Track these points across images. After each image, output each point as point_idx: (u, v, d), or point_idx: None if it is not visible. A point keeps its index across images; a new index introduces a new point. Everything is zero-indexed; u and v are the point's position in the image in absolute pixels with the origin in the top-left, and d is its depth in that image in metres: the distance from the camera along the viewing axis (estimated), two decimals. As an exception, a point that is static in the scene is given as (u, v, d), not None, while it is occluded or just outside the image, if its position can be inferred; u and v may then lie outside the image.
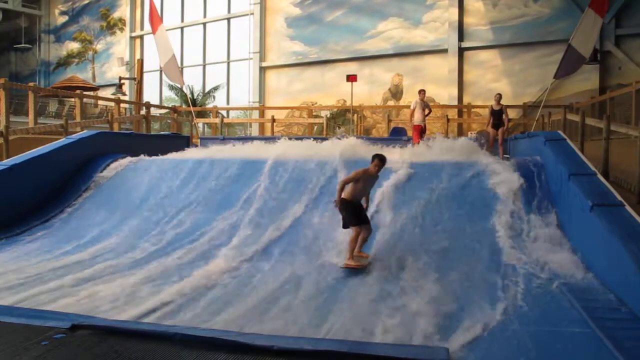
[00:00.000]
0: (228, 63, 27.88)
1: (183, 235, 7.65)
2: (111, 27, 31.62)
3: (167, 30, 18.01)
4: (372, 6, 23.29)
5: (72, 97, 21.46)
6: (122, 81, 24.62)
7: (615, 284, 4.92)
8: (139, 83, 21.74)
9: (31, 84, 14.84)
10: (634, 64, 18.33)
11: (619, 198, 6.00)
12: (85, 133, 11.00)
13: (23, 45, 33.55)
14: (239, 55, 27.19)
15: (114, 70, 30.87)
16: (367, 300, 5.21)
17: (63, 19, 33.98)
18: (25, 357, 3.34)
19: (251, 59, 25.95)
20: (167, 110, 23.48)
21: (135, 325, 4.13)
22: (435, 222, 7.17)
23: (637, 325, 4.11)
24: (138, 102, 20.44)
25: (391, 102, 22.92)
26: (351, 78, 18.33)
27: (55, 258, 6.83)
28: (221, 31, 28.08)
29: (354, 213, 6.43)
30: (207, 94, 27.07)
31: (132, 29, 30.84)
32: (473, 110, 20.24)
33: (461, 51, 21.35)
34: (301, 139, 11.11)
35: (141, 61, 23.10)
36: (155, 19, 16.30)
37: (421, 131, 12.81)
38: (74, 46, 33.28)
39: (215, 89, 27.16)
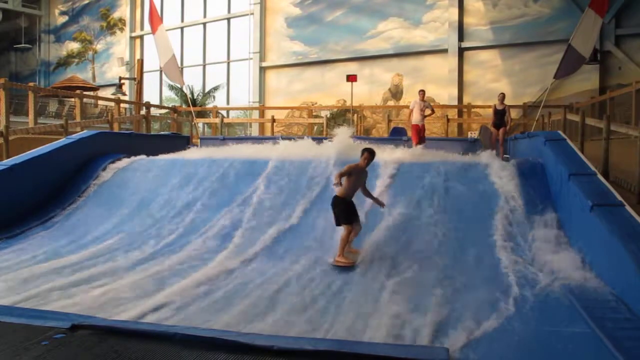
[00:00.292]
0: (228, 63, 27.89)
1: (183, 235, 7.65)
2: (111, 27, 31.63)
3: (167, 30, 18.01)
4: (372, 6, 23.30)
5: (72, 97, 21.47)
6: (122, 81, 24.64)
7: (615, 283, 4.92)
8: (139, 83, 21.75)
9: (31, 84, 14.84)
10: (634, 64, 18.34)
11: (619, 198, 6.00)
12: (85, 133, 11.00)
13: (23, 45, 33.57)
14: (239, 55, 27.20)
15: (114, 70, 30.88)
16: (368, 300, 5.21)
17: (63, 19, 33.99)
18: (26, 357, 3.33)
19: (251, 59, 25.96)
20: (167, 111, 23.48)
21: (135, 325, 4.13)
22: (435, 221, 7.17)
23: (637, 325, 4.11)
24: (138, 102, 20.45)
25: (391, 102, 22.93)
26: (351, 78, 18.35)
27: (55, 258, 6.82)
28: (221, 31, 28.09)
29: (346, 211, 6.46)
30: (207, 94, 27.08)
31: (132, 29, 30.85)
32: (473, 110, 20.25)
33: (461, 51, 21.35)
34: (290, 139, 11.02)
35: (141, 61, 23.11)
36: (155, 19, 16.30)
37: (419, 131, 12.80)
38: (74, 46, 33.29)
39: (215, 89, 27.17)
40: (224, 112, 23.31)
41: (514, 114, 17.85)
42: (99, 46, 32.24)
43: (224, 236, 7.46)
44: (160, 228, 7.95)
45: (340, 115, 23.25)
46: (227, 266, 6.37)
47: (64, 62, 33.68)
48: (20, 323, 3.91)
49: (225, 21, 27.95)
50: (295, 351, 3.45)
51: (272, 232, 7.35)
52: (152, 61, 26.89)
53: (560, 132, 9.56)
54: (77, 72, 31.91)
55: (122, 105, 20.41)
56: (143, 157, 10.40)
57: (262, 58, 25.69)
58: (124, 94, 24.21)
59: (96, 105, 28.26)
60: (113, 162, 10.12)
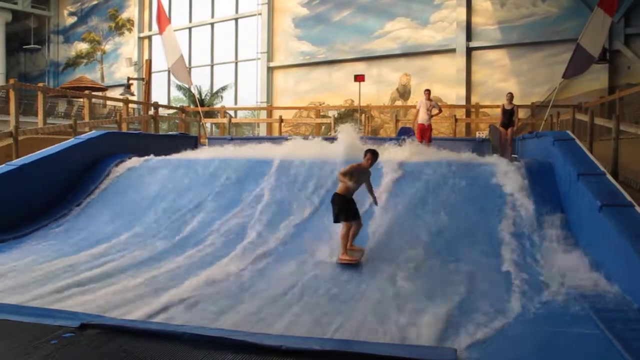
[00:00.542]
0: (236, 63, 27.93)
1: (191, 235, 7.68)
2: (119, 27, 31.76)
3: (175, 30, 18.06)
4: (380, 6, 23.27)
5: (80, 98, 21.57)
6: (131, 81, 24.73)
7: (624, 284, 4.89)
8: (147, 83, 21.82)
9: (40, 84, 14.94)
10: (644, 64, 18.24)
11: (629, 198, 5.96)
12: (93, 133, 11.05)
13: (32, 46, 33.75)
14: (246, 56, 27.23)
15: (122, 71, 31.00)
16: (375, 300, 5.20)
17: (72, 19, 34.15)
18: (35, 355, 3.35)
19: (259, 59, 25.98)
20: (175, 111, 23.55)
21: (144, 325, 4.14)
22: (442, 220, 7.16)
23: (647, 326, 4.09)
24: (146, 102, 20.52)
25: (399, 102, 22.89)
26: (359, 78, 18.33)
27: (64, 257, 6.85)
28: (229, 31, 28.14)
29: (346, 208, 6.49)
30: (215, 94, 27.13)
31: (141, 30, 30.96)
32: (481, 110, 20.18)
33: (469, 51, 21.29)
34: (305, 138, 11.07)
35: (149, 61, 23.19)
36: (163, 19, 16.35)
37: (423, 130, 12.76)
38: (82, 47, 33.44)
39: (223, 89, 27.21)
40: (231, 112, 23.35)
41: (522, 113, 17.81)
42: (108, 47, 32.38)
43: (233, 236, 7.47)
44: (168, 228, 7.97)
45: (348, 115, 23.23)
46: (235, 266, 6.38)
47: (72, 63, 33.85)
48: (29, 322, 3.93)
49: (233, 21, 27.99)
50: (303, 351, 3.45)
51: (280, 232, 7.36)
52: (160, 61, 26.95)
53: (569, 132, 9.52)
54: (86, 73, 32.05)
55: (130, 105, 20.48)
56: (151, 157, 10.43)
57: (269, 58, 25.71)
58: (133, 94, 24.30)
59: (105, 106, 28.39)
60: (121, 162, 10.16)
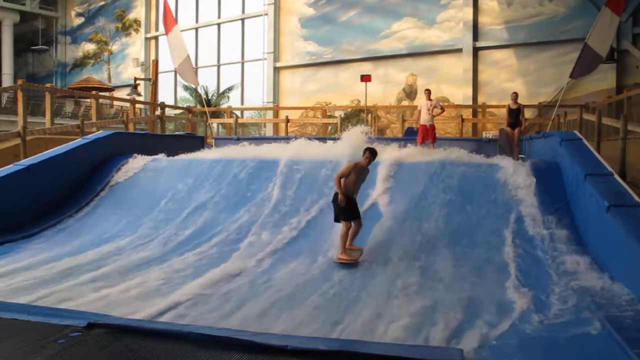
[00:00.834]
0: (242, 63, 27.96)
1: (198, 235, 7.70)
2: (126, 28, 31.85)
3: (181, 31, 18.09)
4: (386, 6, 23.23)
5: (88, 98, 21.64)
6: (137, 82, 24.78)
7: (632, 285, 4.87)
8: (153, 84, 21.87)
9: (48, 85, 14.99)
10: (652, 63, 18.14)
11: (636, 198, 5.94)
12: (101, 133, 11.09)
13: (40, 46, 33.88)
14: (253, 56, 27.25)
15: (129, 71, 31.08)
16: (380, 300, 5.20)
17: (79, 20, 34.28)
18: (42, 354, 3.37)
19: (265, 59, 26.00)
20: (181, 111, 23.61)
21: (150, 324, 4.16)
22: (447, 220, 7.16)
23: (655, 327, 4.07)
24: (153, 102, 20.57)
25: (405, 102, 22.85)
26: (365, 78, 18.30)
27: (71, 257, 6.88)
28: (235, 32, 28.16)
29: (346, 208, 6.50)
30: (221, 95, 27.17)
31: (147, 30, 31.04)
32: (488, 110, 20.13)
33: (476, 51, 21.23)
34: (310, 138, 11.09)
35: (156, 62, 23.22)
36: (170, 20, 16.35)
37: (426, 131, 12.72)
38: (89, 47, 33.57)
39: (230, 89, 27.24)
40: (238, 113, 23.35)
41: (529, 113, 17.74)
42: (115, 47, 32.48)
43: (239, 236, 7.49)
44: (175, 227, 7.99)
45: (355, 115, 23.21)
46: (242, 265, 6.39)
47: (80, 63, 33.97)
48: (37, 321, 3.95)
49: (240, 22, 28.01)
50: (309, 351, 3.46)
51: (286, 232, 7.38)
52: (167, 62, 26.93)
53: (576, 132, 9.48)
54: (93, 73, 32.16)
55: (137, 105, 20.53)
56: (158, 157, 10.46)
57: (276, 58, 25.73)
58: (139, 95, 24.35)
59: (112, 106, 28.47)
60: (128, 162, 10.19)
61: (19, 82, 13.31)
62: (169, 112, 22.28)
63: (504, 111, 13.18)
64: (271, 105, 24.91)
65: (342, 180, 6.51)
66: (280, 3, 25.79)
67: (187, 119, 20.42)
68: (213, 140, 15.70)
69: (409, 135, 15.45)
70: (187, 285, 5.70)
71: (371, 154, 6.73)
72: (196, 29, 29.53)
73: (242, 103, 27.46)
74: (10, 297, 5.12)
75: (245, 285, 5.77)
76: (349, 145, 9.14)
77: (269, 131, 24.66)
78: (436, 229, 7.02)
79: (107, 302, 5.16)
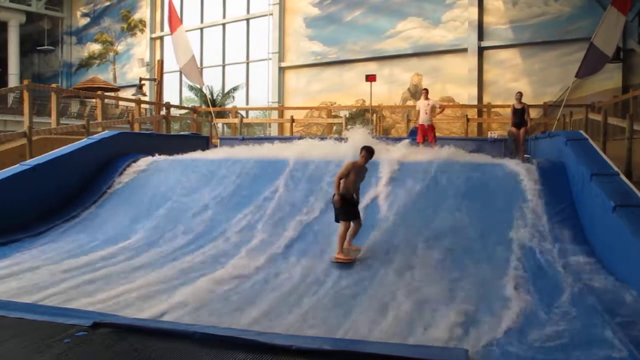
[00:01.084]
0: (247, 63, 27.97)
1: (202, 234, 7.71)
2: (132, 28, 31.92)
3: (186, 31, 18.12)
4: (391, 6, 23.20)
5: (93, 98, 21.72)
6: (143, 82, 24.77)
7: (638, 284, 4.85)
8: (159, 84, 21.91)
9: (54, 85, 15.06)
10: (658, 63, 18.04)
11: (643, 199, 5.91)
12: (106, 133, 11.13)
13: (46, 47, 33.98)
14: (258, 56, 27.26)
15: (134, 71, 31.14)
16: (385, 300, 5.19)
17: (85, 20, 34.38)
18: (48, 354, 3.38)
19: (270, 59, 26.00)
20: (187, 111, 23.63)
21: (155, 324, 4.17)
22: (451, 220, 7.15)
23: (661, 328, 4.05)
24: (158, 102, 20.61)
25: (410, 102, 22.79)
26: (370, 78, 18.27)
27: (77, 257, 6.91)
28: (240, 32, 28.18)
29: (345, 207, 6.52)
30: (226, 95, 27.19)
31: (153, 30, 31.10)
32: (493, 110, 20.07)
33: (481, 50, 21.16)
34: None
35: (161, 62, 23.28)
36: (175, 20, 16.40)
37: (425, 131, 12.70)
38: (95, 47, 33.65)
39: (235, 89, 27.27)
40: (243, 113, 23.37)
41: (534, 113, 17.68)
42: (120, 47, 32.56)
43: (244, 236, 7.50)
44: (180, 227, 8.01)
45: (360, 115, 23.20)
46: (246, 265, 6.40)
47: (85, 64, 34.07)
48: (43, 320, 3.97)
49: (245, 22, 28.02)
50: (313, 351, 3.46)
51: (290, 232, 7.38)
52: (172, 62, 26.99)
53: (582, 132, 9.45)
54: (99, 73, 32.23)
55: (142, 105, 20.61)
56: (163, 157, 10.48)
57: (281, 58, 25.73)
58: (145, 95, 24.38)
59: (117, 106, 28.55)
60: (134, 162, 10.22)
61: (25, 82, 13.36)
62: (174, 112, 22.30)
63: (509, 111, 13.16)
64: (276, 105, 24.92)
65: (342, 180, 6.52)
66: (285, 3, 25.78)
67: (192, 119, 20.45)
68: (218, 140, 15.73)
69: (414, 135, 15.43)
70: (192, 284, 5.72)
71: (368, 152, 6.72)
72: (201, 29, 29.57)
73: (247, 103, 27.48)
74: (16, 297, 5.14)
75: (249, 285, 5.78)
76: (352, 145, 9.15)
77: (274, 131, 24.68)
78: (437, 228, 7.01)
79: (113, 301, 5.18)
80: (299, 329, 4.48)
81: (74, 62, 34.59)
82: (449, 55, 21.99)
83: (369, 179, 7.64)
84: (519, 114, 12.29)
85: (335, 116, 22.19)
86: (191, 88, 26.64)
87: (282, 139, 13.35)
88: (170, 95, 27.84)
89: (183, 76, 23.46)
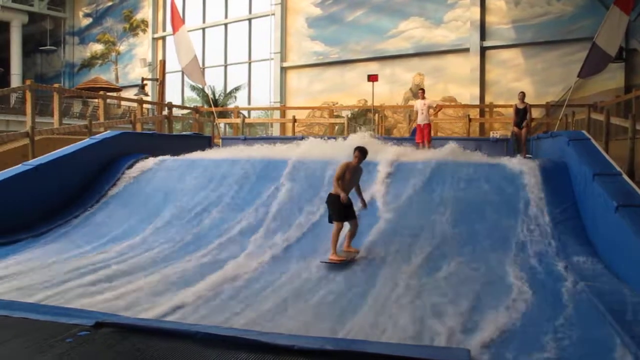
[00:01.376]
0: (249, 63, 28.00)
1: (204, 235, 7.71)
2: (134, 28, 31.96)
3: (188, 31, 18.12)
4: (393, 6, 23.20)
5: (95, 98, 21.73)
6: (145, 82, 24.84)
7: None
8: (161, 84, 21.93)
9: (56, 85, 15.06)
10: (661, 63, 18.00)
11: (645, 198, 5.90)
12: (108, 133, 11.14)
13: (48, 47, 34.05)
14: (260, 56, 27.29)
15: (136, 71, 31.19)
16: (386, 300, 5.19)
17: (87, 21, 34.43)
18: (50, 354, 3.39)
19: (272, 59, 26.02)
20: (189, 111, 23.65)
21: (158, 324, 4.17)
22: (451, 219, 7.15)
23: (663, 328, 4.04)
24: (160, 102, 20.63)
25: (412, 102, 22.77)
26: (372, 78, 18.27)
27: (79, 256, 6.92)
28: (242, 32, 28.20)
29: (339, 208, 6.50)
30: (228, 95, 27.22)
31: (155, 31, 31.14)
32: (495, 109, 20.07)
33: (483, 50, 21.16)
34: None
35: (163, 62, 23.28)
36: (177, 20, 16.40)
37: (421, 131, 12.69)
38: (97, 48, 33.71)
39: (237, 89, 27.29)
40: (245, 113, 23.38)
41: (536, 113, 17.67)
42: (122, 47, 32.60)
43: (245, 236, 7.50)
44: (181, 227, 8.01)
45: (361, 115, 23.22)
46: (247, 266, 6.39)
47: (87, 64, 34.12)
48: (45, 320, 3.98)
49: (247, 22, 28.04)
50: (316, 351, 3.46)
51: (292, 232, 7.38)
52: (174, 62, 26.89)
53: (584, 132, 9.44)
54: (101, 73, 32.29)
55: (144, 105, 20.60)
56: (165, 157, 10.49)
57: (283, 58, 25.74)
58: (147, 95, 24.43)
59: (119, 106, 28.59)
60: (136, 162, 10.23)
61: (28, 82, 13.38)
62: (176, 112, 22.33)
63: (511, 111, 13.15)
64: (278, 105, 24.93)
65: (340, 182, 6.53)
66: (287, 3, 25.80)
67: (194, 119, 20.47)
68: (220, 140, 15.74)
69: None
70: (194, 285, 5.71)
71: (361, 152, 6.71)
72: (203, 29, 29.60)
73: (249, 103, 27.50)
74: (18, 297, 5.15)
75: (251, 285, 5.78)
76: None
77: (276, 131, 24.69)
78: (437, 228, 7.01)
79: (114, 301, 5.17)
80: (301, 329, 4.48)
81: (76, 62, 34.65)
82: (451, 55, 21.99)
83: (369, 178, 7.65)
84: (522, 114, 12.28)
85: (337, 116, 22.20)
86: (193, 88, 26.67)
87: (284, 139, 13.37)
88: (173, 95, 27.86)
89: (185, 76, 23.50)
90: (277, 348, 3.48)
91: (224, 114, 22.52)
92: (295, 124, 19.57)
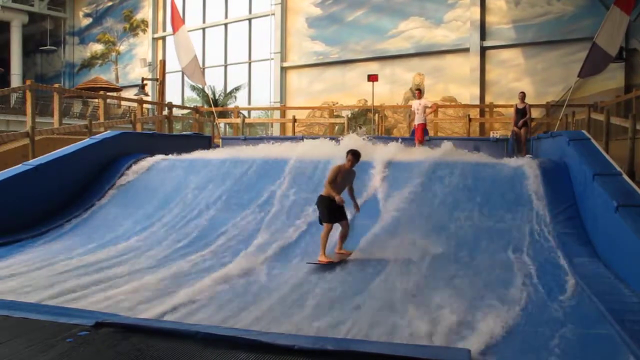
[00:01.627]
0: (249, 63, 28.00)
1: (204, 235, 7.71)
2: (134, 28, 31.97)
3: (188, 31, 18.13)
4: (393, 6, 23.20)
5: (95, 98, 21.75)
6: (145, 82, 24.84)
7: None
8: (161, 84, 21.93)
9: (56, 85, 15.07)
10: (661, 62, 17.99)
11: (645, 198, 5.90)
12: (108, 133, 11.14)
13: (48, 47, 34.06)
14: (260, 56, 27.29)
15: (136, 71, 31.20)
16: (387, 300, 5.19)
17: (87, 21, 34.44)
18: (51, 353, 3.39)
19: (272, 59, 26.02)
20: (189, 111, 23.66)
21: (158, 324, 4.17)
22: (451, 219, 7.15)
23: (664, 328, 4.04)
24: (160, 102, 20.63)
25: (412, 102, 22.79)
26: (372, 78, 18.27)
27: (79, 256, 6.92)
28: (242, 32, 28.20)
29: (328, 210, 6.51)
30: (228, 95, 27.22)
31: (155, 31, 31.15)
32: (495, 109, 20.07)
33: (483, 50, 21.15)
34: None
35: (163, 62, 23.28)
36: (177, 20, 16.40)
37: (422, 130, 12.71)
38: (97, 48, 33.72)
39: (237, 89, 27.30)
40: (245, 113, 23.40)
41: (536, 113, 17.67)
42: (122, 47, 32.61)
43: (245, 236, 7.50)
44: (182, 227, 8.01)
45: (362, 115, 23.22)
46: (248, 266, 6.39)
47: (87, 64, 34.14)
48: (46, 320, 3.98)
49: (247, 22, 28.05)
50: (316, 351, 3.45)
51: (292, 232, 7.38)
52: (174, 62, 26.91)
53: (585, 132, 9.44)
54: (101, 73, 32.30)
55: (144, 105, 20.61)
56: (166, 157, 10.49)
57: (283, 58, 25.74)
58: (147, 95, 24.43)
59: (119, 106, 28.60)
60: (136, 162, 10.23)
61: (28, 82, 13.39)
62: (176, 112, 22.34)
63: (512, 111, 13.16)
64: (278, 105, 24.93)
65: (333, 184, 6.55)
66: (287, 3, 25.80)
67: (194, 119, 20.48)
68: (220, 140, 15.74)
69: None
70: (194, 284, 5.71)
71: (354, 156, 6.70)
72: (203, 29, 29.61)
73: (249, 103, 27.50)
74: (19, 297, 5.14)
75: (251, 285, 5.77)
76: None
77: (276, 131, 24.69)
78: (436, 227, 7.01)
79: (115, 301, 5.17)
80: (301, 329, 4.48)
81: (76, 62, 34.67)
82: (451, 55, 21.99)
83: (365, 177, 7.65)
84: (522, 114, 12.29)
85: (337, 116, 22.20)
86: (193, 88, 26.68)
87: (284, 139, 13.36)
88: (173, 95, 27.86)
89: (185, 76, 23.52)
90: (277, 348, 3.48)
91: (224, 114, 22.52)
92: (295, 124, 19.57)
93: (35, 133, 11.06)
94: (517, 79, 20.65)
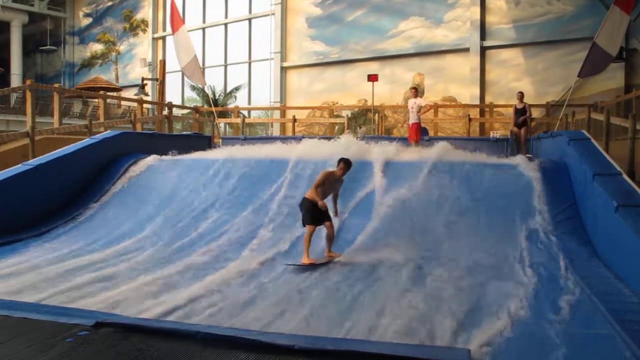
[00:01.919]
0: (249, 63, 28.00)
1: (204, 235, 7.71)
2: (134, 28, 31.97)
3: (188, 31, 18.12)
4: (393, 6, 23.19)
5: (95, 98, 21.75)
6: (145, 82, 24.84)
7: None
8: (161, 84, 21.93)
9: (56, 85, 15.06)
10: (661, 62, 17.99)
11: (645, 198, 5.90)
12: (108, 133, 11.13)
13: (48, 47, 34.07)
14: (260, 56, 27.29)
15: (136, 71, 31.20)
16: (386, 300, 5.19)
17: (87, 21, 34.45)
18: (51, 353, 3.39)
19: (272, 59, 26.02)
20: (189, 111, 23.66)
21: (158, 324, 4.17)
22: (450, 218, 7.15)
23: (664, 328, 4.04)
24: (160, 102, 20.63)
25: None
26: (372, 78, 18.26)
27: (79, 256, 6.92)
28: (242, 31, 28.20)
29: (311, 213, 6.54)
30: (228, 94, 27.22)
31: (155, 30, 31.15)
32: (495, 109, 20.07)
33: (483, 50, 21.15)
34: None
35: (163, 62, 23.28)
36: (177, 19, 16.38)
37: (416, 129, 12.71)
38: (97, 47, 33.72)
39: (237, 89, 27.29)
40: (245, 112, 23.39)
41: (536, 113, 17.66)
42: (122, 47, 32.61)
43: (245, 236, 7.50)
44: (182, 227, 8.01)
45: (362, 115, 23.21)
46: (248, 266, 6.39)
47: (87, 64, 34.14)
48: (46, 320, 3.97)
49: (247, 21, 28.05)
50: (316, 351, 3.45)
51: (293, 232, 7.37)
52: (174, 62, 26.88)
53: (585, 132, 9.43)
54: (101, 73, 32.30)
55: (144, 105, 20.61)
56: (166, 157, 10.49)
57: (283, 58, 25.74)
58: (147, 95, 24.42)
59: (119, 106, 28.60)
60: (136, 162, 10.23)
61: (28, 82, 13.38)
62: (176, 112, 22.34)
63: (512, 111, 13.16)
64: (278, 105, 24.93)
65: (319, 189, 6.57)
66: (287, 3, 25.80)
67: (194, 119, 20.47)
68: (220, 140, 15.73)
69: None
70: (194, 284, 5.71)
71: (345, 164, 6.76)
72: (203, 29, 29.61)
73: (249, 103, 27.50)
74: (19, 296, 5.15)
75: (251, 285, 5.77)
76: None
77: (276, 131, 24.69)
78: (435, 227, 7.00)
79: (115, 301, 5.17)
80: (301, 329, 4.48)
81: (76, 62, 34.67)
82: (451, 55, 21.99)
83: (363, 176, 7.66)
84: (521, 114, 12.29)
85: (338, 116, 22.20)
86: (193, 88, 26.68)
87: (285, 139, 13.37)
88: (173, 95, 27.86)
89: (185, 76, 23.53)
90: (277, 348, 3.48)
91: (224, 114, 22.52)
92: (295, 123, 19.57)
93: (35, 133, 11.05)
94: (517, 78, 20.65)
